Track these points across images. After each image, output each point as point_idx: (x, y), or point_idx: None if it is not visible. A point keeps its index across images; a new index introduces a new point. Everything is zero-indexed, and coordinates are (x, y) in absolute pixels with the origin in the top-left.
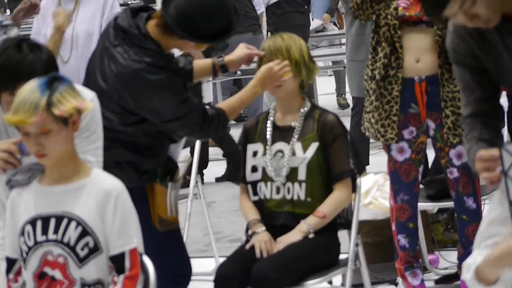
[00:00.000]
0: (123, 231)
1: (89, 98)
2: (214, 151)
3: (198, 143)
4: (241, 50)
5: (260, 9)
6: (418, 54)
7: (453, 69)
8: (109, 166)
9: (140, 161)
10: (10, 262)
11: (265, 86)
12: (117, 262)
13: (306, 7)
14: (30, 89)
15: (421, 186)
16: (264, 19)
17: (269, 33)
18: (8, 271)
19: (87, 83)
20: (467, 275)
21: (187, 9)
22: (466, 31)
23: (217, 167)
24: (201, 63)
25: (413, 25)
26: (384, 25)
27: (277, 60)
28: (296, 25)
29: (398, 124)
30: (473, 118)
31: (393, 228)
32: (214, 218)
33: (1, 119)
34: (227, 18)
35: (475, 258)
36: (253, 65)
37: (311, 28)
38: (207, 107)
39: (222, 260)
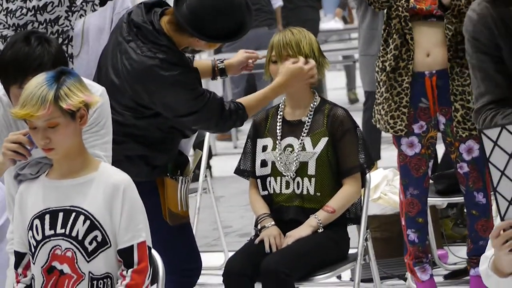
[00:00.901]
0: (131, 225)
1: (98, 93)
2: (224, 145)
3: (206, 138)
4: (240, 55)
5: (277, 3)
6: (428, 48)
7: (472, 57)
8: (120, 160)
9: (152, 156)
10: (19, 256)
11: (292, 85)
12: (125, 256)
13: (317, 2)
14: (38, 83)
15: (430, 181)
16: None
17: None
18: (17, 265)
19: (99, 77)
20: (483, 266)
21: (198, 9)
22: (492, 20)
23: (226, 161)
24: (201, 63)
25: (423, 19)
26: (395, 16)
27: (301, 59)
28: (307, 19)
29: (408, 117)
30: (495, 104)
31: (403, 223)
32: (223, 213)
33: (10, 113)
34: (238, 18)
35: (493, 250)
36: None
37: (328, 27)
38: (227, 101)
39: (231, 254)
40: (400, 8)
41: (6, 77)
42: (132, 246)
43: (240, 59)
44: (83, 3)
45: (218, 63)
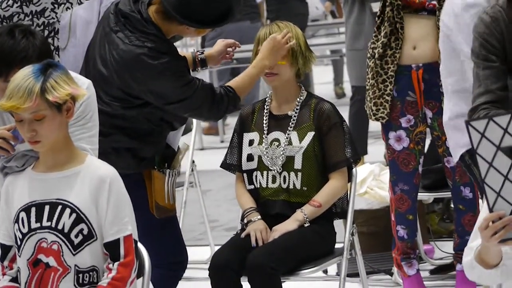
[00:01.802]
0: (117, 218)
1: (84, 86)
2: (210, 139)
3: (194, 131)
4: (219, 44)
5: None
6: (416, 41)
7: (478, 56)
8: (108, 152)
9: (139, 148)
10: (5, 249)
11: (272, 56)
12: (111, 249)
13: None
14: (25, 75)
15: None
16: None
17: (268, 21)
18: (2, 258)
19: (86, 68)
20: (467, 257)
21: None
22: (504, 24)
23: (213, 155)
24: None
25: (414, 12)
26: (389, 4)
27: (277, 31)
28: (297, 14)
29: (391, 106)
30: (491, 105)
31: (392, 218)
32: (209, 207)
33: None
34: (226, 3)
35: (478, 242)
36: (249, 54)
37: (313, 16)
38: (216, 86)
39: (217, 248)
40: None
41: None
42: (118, 239)
43: (219, 48)
44: None
45: (199, 54)
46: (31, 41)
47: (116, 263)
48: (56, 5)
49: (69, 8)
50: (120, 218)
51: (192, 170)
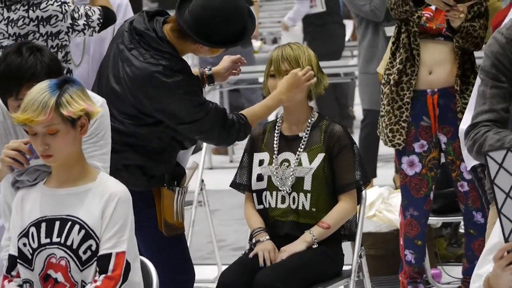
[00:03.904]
0: (116, 235)
1: (98, 104)
2: (220, 159)
3: (203, 150)
4: (225, 61)
5: None
6: (431, 66)
7: (488, 75)
8: (118, 169)
9: (149, 166)
10: (14, 261)
11: (290, 92)
12: (101, 263)
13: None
14: (41, 89)
15: None
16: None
17: (305, 42)
18: (11, 268)
19: (99, 85)
20: (474, 284)
21: (202, 14)
22: None
23: (222, 175)
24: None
25: (431, 38)
26: (404, 31)
27: (299, 68)
28: (334, 35)
29: (407, 133)
30: (493, 123)
31: (401, 242)
32: (218, 226)
33: (10, 121)
34: (241, 23)
35: (487, 269)
36: (253, 75)
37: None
38: (229, 113)
39: (224, 268)
40: (410, 23)
41: (1, 90)
42: (111, 254)
43: (226, 64)
44: (85, 26)
45: (206, 70)
46: (39, 58)
47: (103, 276)
48: (71, 30)
49: (80, 37)
50: (118, 236)
51: (201, 189)
